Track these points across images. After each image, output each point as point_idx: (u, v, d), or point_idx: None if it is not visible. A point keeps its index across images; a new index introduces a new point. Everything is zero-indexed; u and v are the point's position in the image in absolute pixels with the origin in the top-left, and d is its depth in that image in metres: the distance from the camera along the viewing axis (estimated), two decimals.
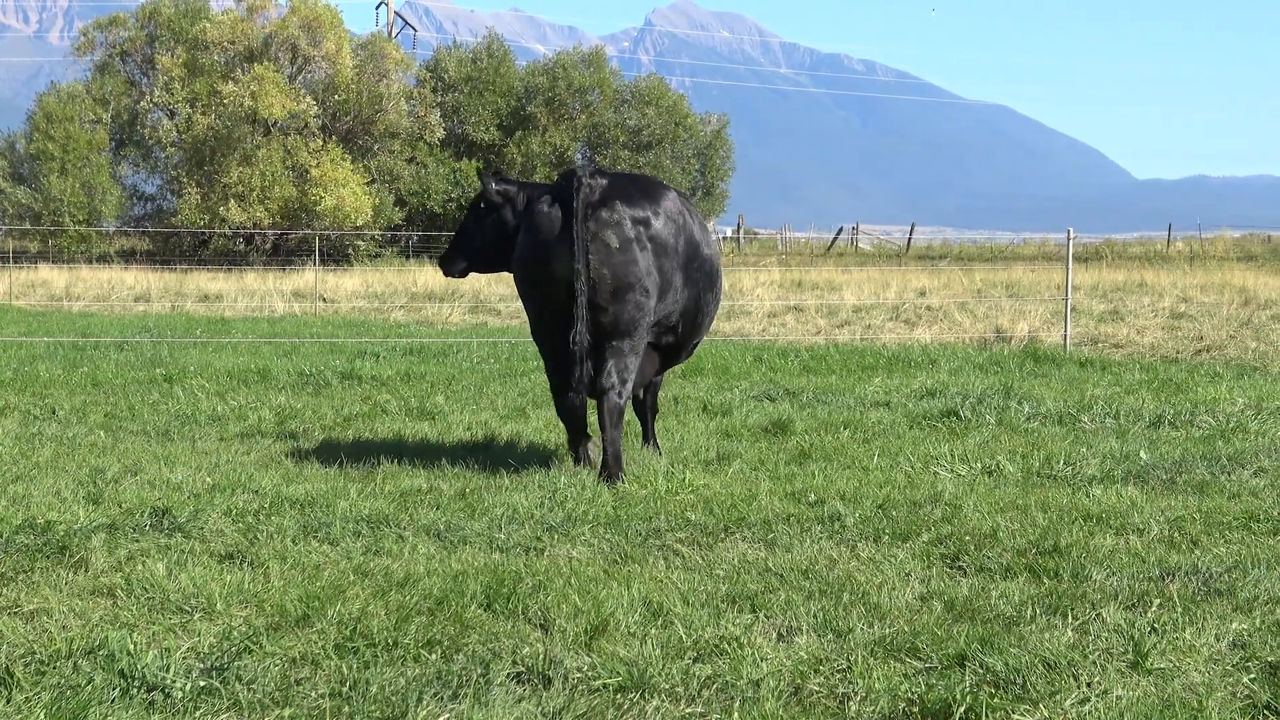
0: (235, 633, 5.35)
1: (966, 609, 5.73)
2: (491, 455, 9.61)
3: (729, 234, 73.47)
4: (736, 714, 4.64)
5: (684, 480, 8.49)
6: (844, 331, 22.48)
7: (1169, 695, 4.77)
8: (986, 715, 4.59)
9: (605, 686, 4.85)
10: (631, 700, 4.75)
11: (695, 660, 5.12)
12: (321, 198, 51.74)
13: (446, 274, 10.40)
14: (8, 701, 4.65)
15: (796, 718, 4.64)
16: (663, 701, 4.74)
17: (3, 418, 11.75)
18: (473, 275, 11.01)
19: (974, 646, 5.16)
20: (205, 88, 53.34)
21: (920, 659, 5.11)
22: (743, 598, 5.91)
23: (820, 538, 7.09)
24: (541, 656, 5.10)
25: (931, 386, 13.64)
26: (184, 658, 5.06)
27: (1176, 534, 7.13)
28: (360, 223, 52.42)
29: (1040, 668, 4.97)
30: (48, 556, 6.52)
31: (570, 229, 8.61)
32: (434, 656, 5.13)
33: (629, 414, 10.18)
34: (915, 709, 4.67)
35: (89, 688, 4.74)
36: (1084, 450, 9.79)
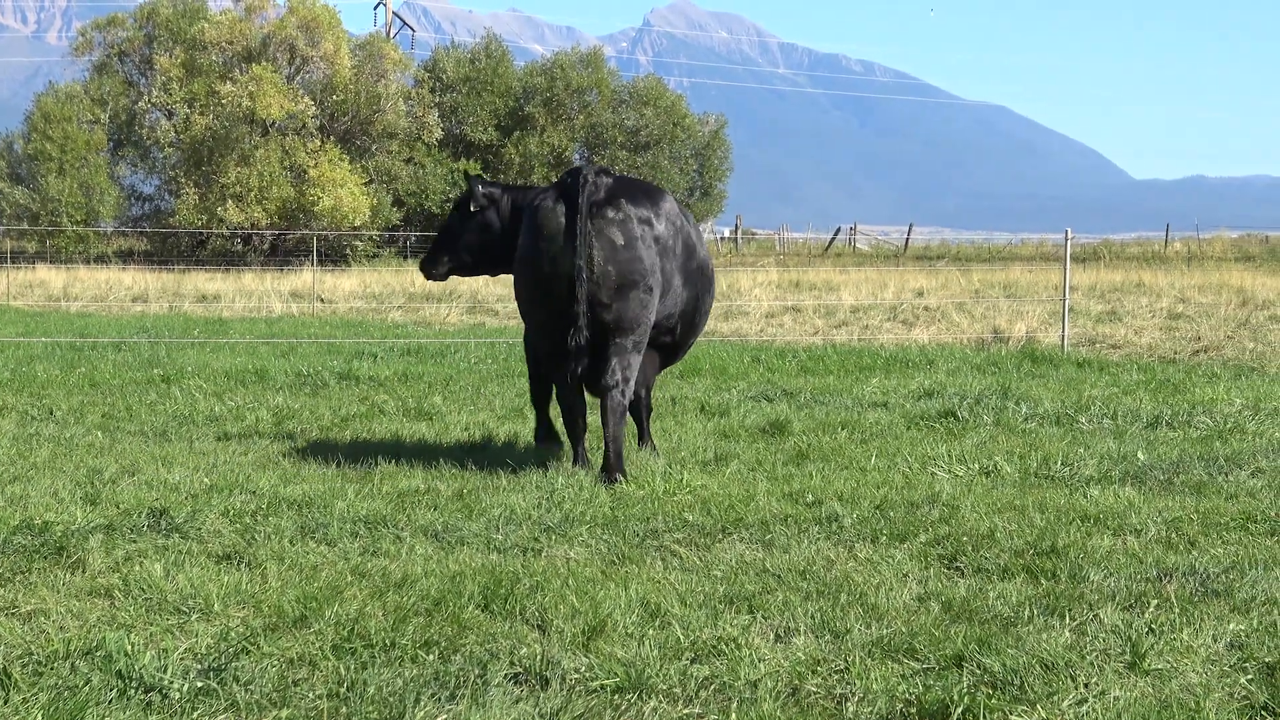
0: (233, 633, 5.35)
1: (964, 610, 5.73)
2: (489, 456, 9.61)
3: (727, 234, 73.48)
4: (734, 715, 4.64)
5: (681, 481, 8.49)
6: (842, 332, 22.48)
7: (1166, 696, 4.77)
8: (984, 716, 4.59)
9: (603, 687, 4.85)
10: (629, 701, 4.75)
11: (693, 661, 5.12)
12: (319, 198, 51.75)
13: (429, 277, 10.42)
14: (5, 702, 4.65)
15: (794, 718, 4.65)
16: (660, 702, 4.74)
17: (0, 418, 11.74)
18: (465, 276, 11.03)
19: (972, 647, 5.16)
20: (203, 88, 53.36)
21: (918, 660, 5.12)
22: (740, 598, 5.91)
23: (818, 538, 7.09)
24: (539, 657, 5.10)
25: (929, 387, 13.64)
26: (181, 658, 5.06)
27: (1174, 535, 7.14)
28: (358, 223, 52.43)
29: (1038, 668, 4.97)
30: (45, 557, 6.52)
31: (575, 225, 8.63)
32: (431, 657, 5.13)
33: None
34: (913, 710, 4.68)
35: (86, 688, 4.74)
36: (1081, 451, 9.79)
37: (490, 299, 28.86)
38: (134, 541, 6.88)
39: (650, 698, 4.77)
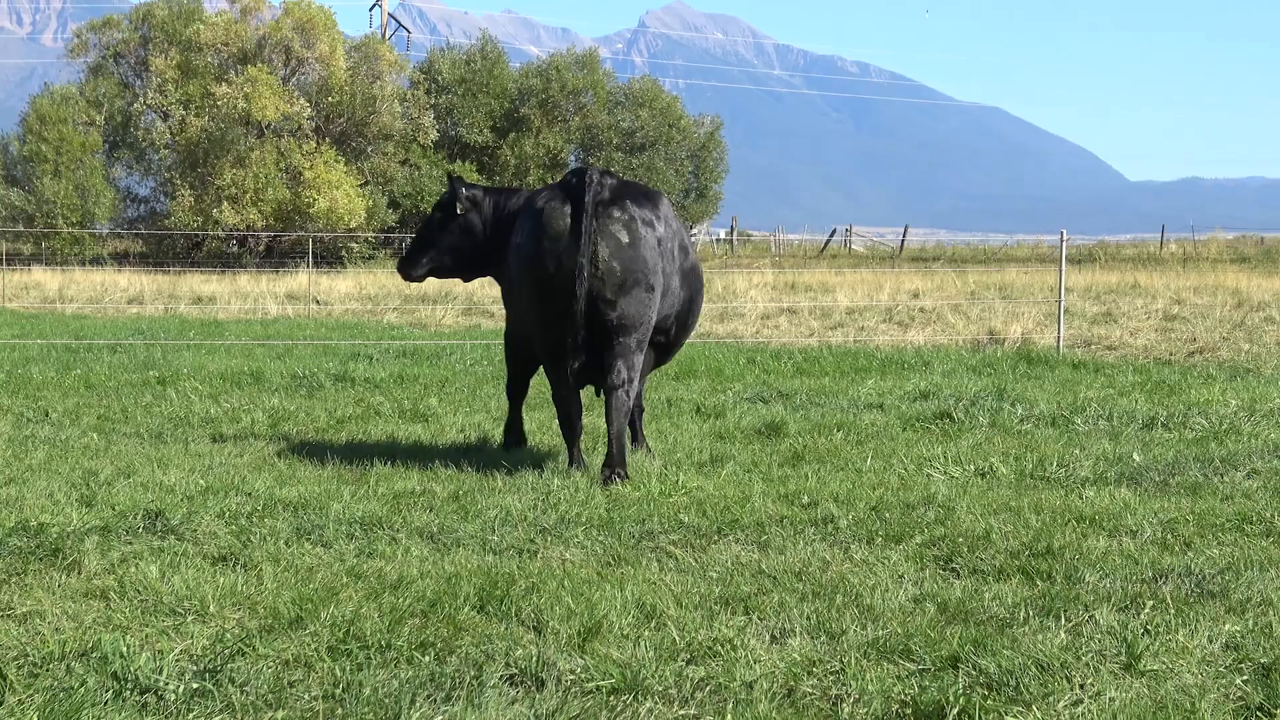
0: (228, 635, 5.35)
1: (959, 611, 5.73)
2: (485, 457, 9.61)
3: (722, 236, 73.52)
4: (730, 716, 4.64)
5: (677, 482, 8.49)
6: (837, 333, 22.49)
7: (1162, 697, 4.78)
8: (980, 717, 4.59)
9: (598, 688, 4.85)
10: (624, 702, 4.75)
11: (689, 662, 5.12)
12: (315, 200, 51.70)
13: (407, 278, 10.44)
14: (1, 704, 4.64)
15: (789, 719, 4.65)
16: (656, 703, 4.75)
17: None
18: (442, 278, 11.05)
19: (967, 648, 5.16)
20: (199, 90, 53.32)
21: (913, 661, 5.12)
22: (736, 600, 5.91)
23: (813, 540, 7.09)
24: (535, 658, 5.10)
25: (925, 388, 13.65)
26: (177, 660, 5.06)
27: (1169, 536, 7.14)
28: (353, 225, 52.38)
29: (1033, 669, 4.97)
30: (41, 559, 6.52)
31: (581, 225, 8.65)
32: (427, 658, 5.13)
33: None
34: (908, 711, 4.68)
35: (82, 690, 4.74)
36: (1077, 452, 9.80)
37: (486, 300, 28.83)
38: (129, 543, 6.88)
39: (646, 699, 4.77)
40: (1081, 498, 8.14)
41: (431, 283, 32.55)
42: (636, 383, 9.03)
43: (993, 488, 8.55)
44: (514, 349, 10.10)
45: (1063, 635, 5.39)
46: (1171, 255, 50.69)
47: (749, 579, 6.29)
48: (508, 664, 5.08)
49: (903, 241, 67.85)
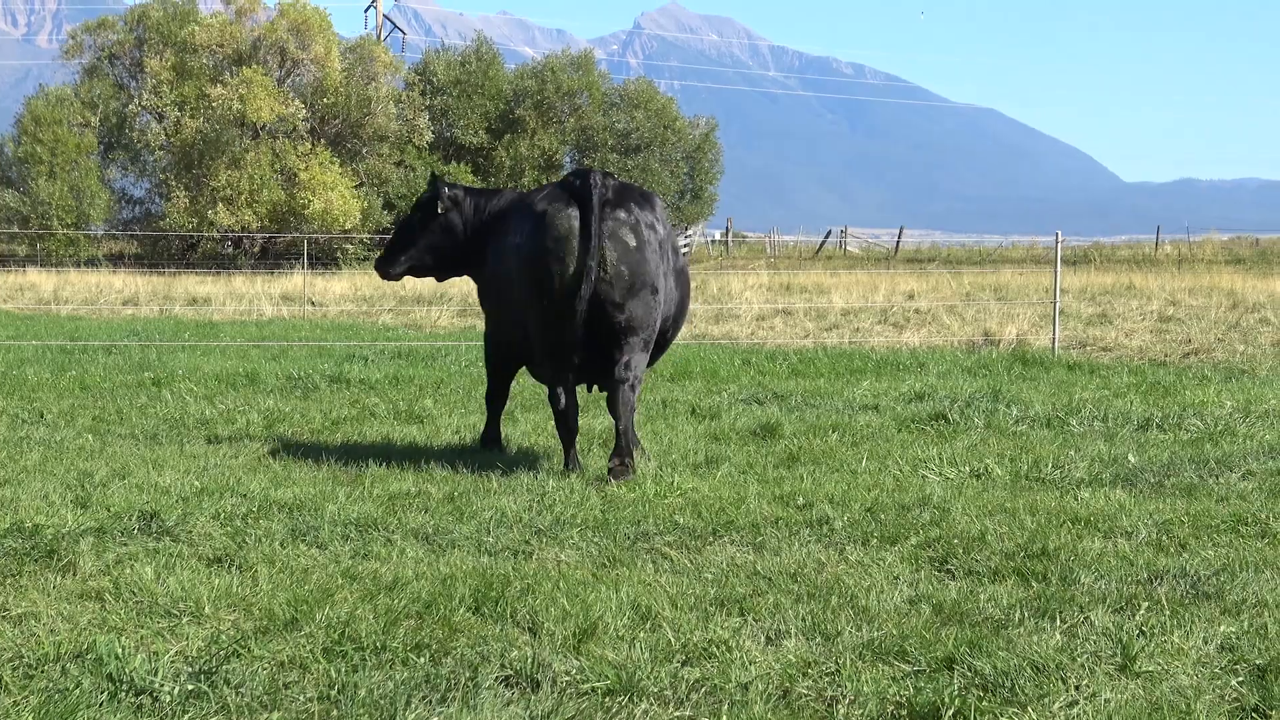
0: (223, 636, 5.35)
1: (955, 612, 5.73)
2: (480, 459, 9.60)
3: (718, 237, 73.58)
4: (725, 717, 4.64)
5: (672, 483, 8.49)
6: (832, 335, 22.49)
7: (1157, 698, 4.78)
8: (975, 718, 4.60)
9: (594, 690, 4.85)
10: (620, 703, 4.75)
11: (684, 663, 5.12)
12: (310, 201, 51.68)
13: (384, 276, 10.44)
14: None
15: None
16: (651, 705, 4.75)
17: None
18: (419, 277, 11.02)
19: (962, 649, 5.16)
20: (194, 91, 53.30)
21: (909, 662, 5.12)
22: (731, 601, 5.91)
23: (808, 541, 7.09)
24: (530, 660, 5.10)
25: (920, 390, 13.65)
26: (172, 661, 5.06)
27: (1165, 537, 7.15)
28: (349, 226, 52.35)
29: (1029, 671, 4.98)
30: (36, 560, 6.51)
31: (590, 227, 8.64)
32: (422, 660, 5.13)
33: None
34: (904, 712, 4.68)
35: (77, 691, 4.74)
36: (1072, 453, 9.80)
37: None
38: (125, 544, 6.87)
39: (641, 700, 4.77)
40: (1077, 499, 8.15)
41: (429, 284, 32.53)
42: (641, 381, 9.08)
43: (988, 489, 8.55)
44: (495, 353, 10.07)
45: (1058, 636, 5.39)
46: (1166, 256, 50.73)
47: (744, 580, 6.29)
48: (503, 665, 5.08)
49: (898, 243, 67.92)
